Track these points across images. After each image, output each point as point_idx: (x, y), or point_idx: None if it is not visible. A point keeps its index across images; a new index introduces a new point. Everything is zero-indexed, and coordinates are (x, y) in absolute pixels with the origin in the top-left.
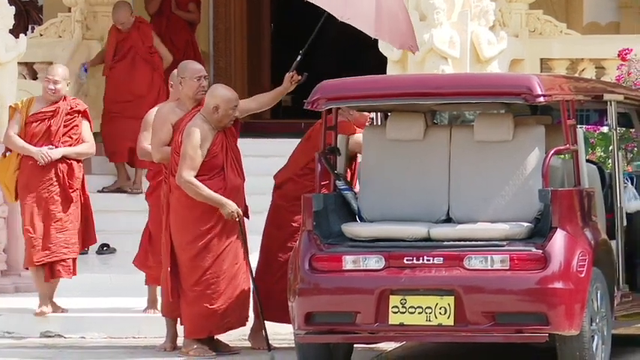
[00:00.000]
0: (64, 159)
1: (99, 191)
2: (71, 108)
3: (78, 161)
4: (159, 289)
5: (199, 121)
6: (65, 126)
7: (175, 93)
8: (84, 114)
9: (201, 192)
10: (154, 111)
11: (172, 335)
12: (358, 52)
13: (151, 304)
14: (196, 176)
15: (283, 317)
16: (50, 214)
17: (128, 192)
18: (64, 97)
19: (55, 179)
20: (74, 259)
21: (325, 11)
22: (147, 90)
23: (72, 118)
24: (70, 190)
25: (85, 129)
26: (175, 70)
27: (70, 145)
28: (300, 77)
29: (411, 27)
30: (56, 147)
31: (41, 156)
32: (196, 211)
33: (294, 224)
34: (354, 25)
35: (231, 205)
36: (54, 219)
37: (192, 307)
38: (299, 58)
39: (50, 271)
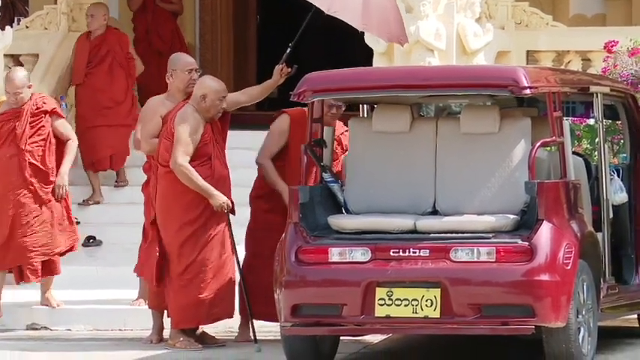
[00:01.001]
0: (31, 162)
1: (79, 204)
2: (37, 108)
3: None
4: None
5: (190, 109)
6: (31, 127)
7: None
8: (53, 112)
9: (194, 179)
10: None
11: (159, 327)
12: (345, 44)
13: (141, 295)
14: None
15: (268, 315)
16: (19, 218)
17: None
18: (31, 96)
19: (23, 182)
20: (46, 262)
21: (313, 5)
22: (124, 96)
23: (38, 119)
24: (42, 193)
25: (62, 126)
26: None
27: (39, 146)
28: (289, 70)
29: (400, 19)
30: (23, 151)
31: (59, 195)
32: (183, 199)
33: (258, 215)
34: (340, 18)
35: (221, 197)
36: (22, 222)
37: (179, 296)
38: (288, 50)
39: (19, 275)
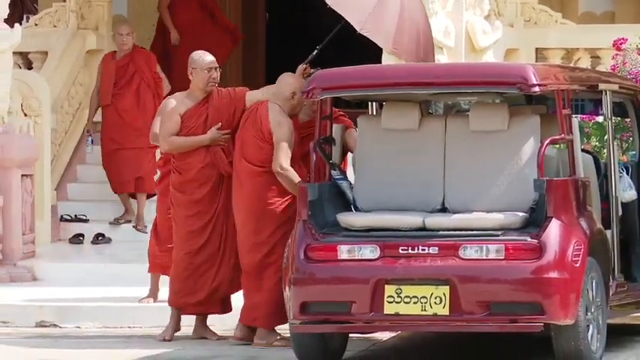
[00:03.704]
0: None
1: (111, 223)
2: None
3: None
4: (162, 278)
5: (278, 109)
6: None
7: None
8: None
9: (295, 182)
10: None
11: (174, 326)
12: (352, 40)
13: (151, 293)
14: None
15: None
16: None
17: (136, 227)
18: None
19: None
20: None
21: (343, 18)
22: (151, 118)
23: None
24: None
25: None
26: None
27: None
28: (312, 71)
29: (431, 45)
30: None
31: None
32: (269, 202)
33: None
34: (371, 39)
35: None
36: None
37: (276, 295)
38: (315, 52)
39: None
